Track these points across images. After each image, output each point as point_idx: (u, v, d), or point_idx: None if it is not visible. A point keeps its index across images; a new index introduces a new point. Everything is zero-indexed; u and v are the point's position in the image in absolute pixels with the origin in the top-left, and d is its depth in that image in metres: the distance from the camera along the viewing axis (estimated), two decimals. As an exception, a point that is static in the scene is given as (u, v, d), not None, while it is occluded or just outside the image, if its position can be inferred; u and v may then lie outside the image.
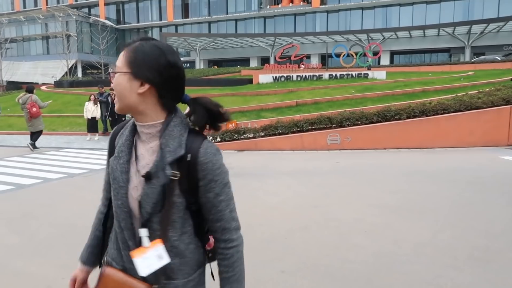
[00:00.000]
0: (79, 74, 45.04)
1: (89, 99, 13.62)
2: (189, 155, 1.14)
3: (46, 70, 43.50)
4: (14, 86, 41.34)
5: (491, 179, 6.68)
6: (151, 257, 1.13)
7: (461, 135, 10.08)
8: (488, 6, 36.41)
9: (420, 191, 6.02)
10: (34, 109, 10.80)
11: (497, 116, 9.99)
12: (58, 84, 31.51)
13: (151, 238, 1.16)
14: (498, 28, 33.49)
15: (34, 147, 11.15)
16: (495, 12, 35.78)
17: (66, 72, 39.89)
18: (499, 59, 30.73)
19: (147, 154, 1.18)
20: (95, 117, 13.46)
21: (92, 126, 13.60)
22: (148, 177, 1.14)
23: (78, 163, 9.16)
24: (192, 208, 1.20)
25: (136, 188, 1.17)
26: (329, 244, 3.99)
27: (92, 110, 13.33)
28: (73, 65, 41.57)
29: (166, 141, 1.14)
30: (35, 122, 10.98)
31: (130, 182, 1.18)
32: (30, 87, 11.39)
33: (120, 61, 1.16)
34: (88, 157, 10.12)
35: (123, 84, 1.15)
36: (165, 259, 1.14)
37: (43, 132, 11.69)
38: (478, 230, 4.26)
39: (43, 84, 37.18)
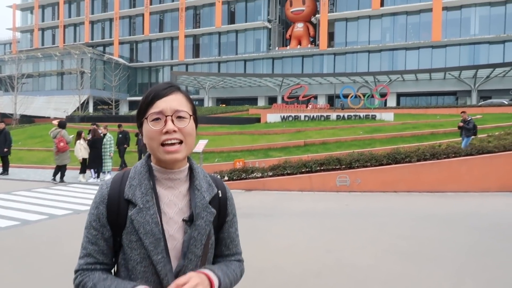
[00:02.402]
0: (90, 109, 45.90)
1: (80, 137, 11.96)
2: (219, 192, 1.21)
3: (58, 105, 44.45)
4: (27, 119, 42.23)
5: (510, 226, 6.46)
6: None
7: (473, 179, 9.91)
8: (493, 51, 37.04)
9: (434, 236, 5.81)
10: (62, 144, 11.24)
11: (511, 160, 9.85)
12: (70, 119, 32.05)
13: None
14: (504, 73, 33.86)
15: (61, 181, 11.60)
16: (500, 57, 36.35)
17: (78, 107, 40.69)
18: (506, 103, 30.84)
19: (177, 200, 1.14)
20: (85, 158, 12.10)
21: (84, 166, 12.23)
22: (192, 220, 1.11)
23: (84, 199, 9.09)
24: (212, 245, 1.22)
25: (172, 237, 1.10)
26: (344, 293, 3.80)
27: (83, 150, 11.93)
28: (85, 100, 42.48)
29: (199, 182, 1.17)
30: (62, 156, 11.42)
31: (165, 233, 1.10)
32: (62, 123, 11.90)
33: (186, 106, 1.14)
34: (95, 193, 10.04)
35: (194, 129, 1.16)
36: None
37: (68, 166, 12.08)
38: (504, 283, 4.05)
39: (55, 118, 37.85)
